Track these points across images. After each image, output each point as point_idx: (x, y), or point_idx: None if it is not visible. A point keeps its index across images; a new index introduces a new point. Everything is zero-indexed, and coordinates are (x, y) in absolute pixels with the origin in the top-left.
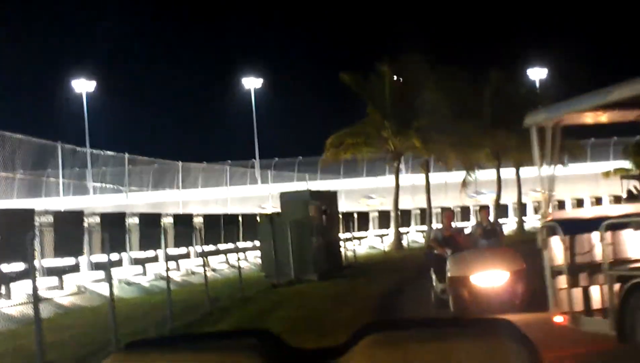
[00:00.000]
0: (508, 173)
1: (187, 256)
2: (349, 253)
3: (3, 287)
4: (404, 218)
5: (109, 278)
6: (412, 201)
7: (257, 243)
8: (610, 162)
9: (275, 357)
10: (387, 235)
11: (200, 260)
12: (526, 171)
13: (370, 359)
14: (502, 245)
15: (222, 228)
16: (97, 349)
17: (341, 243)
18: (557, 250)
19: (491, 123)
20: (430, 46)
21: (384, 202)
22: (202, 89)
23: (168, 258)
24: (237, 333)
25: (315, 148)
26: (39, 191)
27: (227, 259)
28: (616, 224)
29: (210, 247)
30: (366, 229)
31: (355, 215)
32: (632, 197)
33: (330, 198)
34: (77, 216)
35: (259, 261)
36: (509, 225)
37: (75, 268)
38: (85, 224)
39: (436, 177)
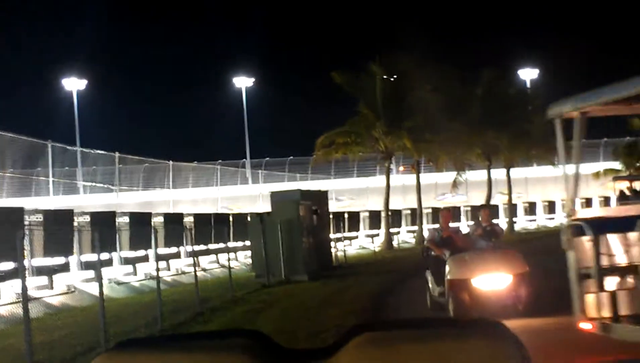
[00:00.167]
0: (495, 173)
1: (177, 255)
2: (340, 254)
3: None
4: (395, 218)
5: (99, 278)
6: (402, 202)
7: (247, 242)
8: (600, 163)
9: (265, 357)
10: (378, 235)
11: (190, 260)
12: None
13: (361, 359)
14: (502, 246)
15: (212, 228)
16: (86, 349)
17: (332, 243)
18: (584, 251)
19: (482, 123)
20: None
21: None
22: (193, 88)
23: (158, 257)
24: (228, 333)
25: (306, 148)
26: (28, 190)
27: (217, 259)
28: None
29: (201, 247)
30: (357, 229)
31: (346, 215)
32: (624, 198)
33: (320, 198)
34: (67, 215)
35: (250, 261)
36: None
37: (65, 268)
38: (75, 224)
39: (427, 177)
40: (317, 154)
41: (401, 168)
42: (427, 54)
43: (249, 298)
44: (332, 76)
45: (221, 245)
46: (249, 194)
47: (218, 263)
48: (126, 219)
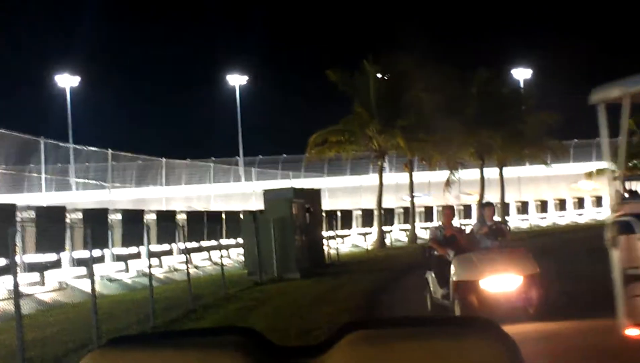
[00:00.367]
0: (488, 172)
1: (169, 253)
2: (332, 252)
3: None
4: (388, 216)
5: (90, 275)
6: (395, 200)
7: (240, 240)
8: (592, 163)
9: (258, 355)
10: (370, 233)
11: (183, 257)
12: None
13: (353, 357)
14: (509, 246)
15: (205, 225)
16: (78, 346)
17: (324, 241)
18: (632, 249)
19: (476, 123)
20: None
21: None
22: (186, 86)
23: (150, 254)
24: (220, 331)
25: (299, 146)
26: (21, 186)
27: (210, 256)
28: None
29: (193, 244)
30: (349, 227)
31: (339, 213)
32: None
33: (313, 196)
34: (59, 211)
35: (242, 258)
36: None
37: (57, 264)
38: (68, 220)
39: (420, 176)
40: (311, 153)
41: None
42: (421, 53)
43: (242, 295)
44: (326, 74)
45: (214, 243)
46: (242, 192)
47: (210, 260)
48: (118, 216)
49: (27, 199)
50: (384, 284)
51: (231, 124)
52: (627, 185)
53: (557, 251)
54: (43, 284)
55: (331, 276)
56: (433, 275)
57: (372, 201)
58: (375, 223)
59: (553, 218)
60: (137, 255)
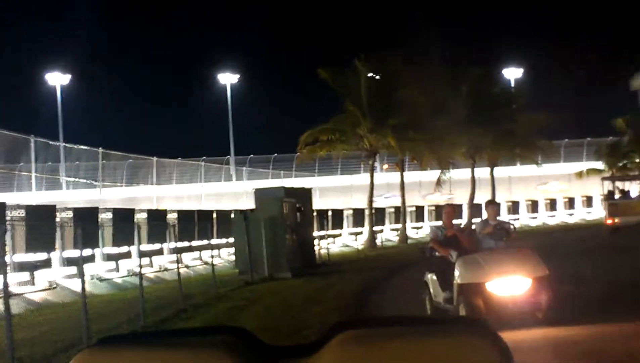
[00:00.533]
0: (479, 172)
1: (160, 252)
2: (323, 251)
3: None
4: (378, 216)
5: (81, 274)
6: (386, 200)
7: (231, 239)
8: (583, 163)
9: (248, 354)
10: (361, 233)
11: (173, 257)
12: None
13: (344, 356)
14: (516, 246)
15: (196, 225)
16: (68, 346)
17: (315, 241)
18: None
19: (467, 122)
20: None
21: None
22: (177, 84)
23: (141, 254)
24: (210, 330)
25: (290, 145)
26: (10, 185)
27: (200, 256)
28: None
29: (184, 243)
30: (340, 227)
31: (330, 213)
32: (611, 198)
33: (304, 195)
34: (49, 210)
35: (233, 258)
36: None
37: (47, 264)
38: (58, 219)
39: (411, 176)
40: (302, 152)
41: (385, 166)
42: (412, 52)
43: (232, 295)
44: (318, 72)
45: (204, 242)
46: (233, 191)
47: (201, 259)
48: (109, 215)
49: (17, 198)
50: (374, 284)
51: (223, 123)
52: (620, 185)
53: (550, 251)
54: (33, 283)
55: (322, 275)
56: (434, 277)
57: (363, 201)
58: (366, 222)
59: (543, 218)
60: (128, 255)
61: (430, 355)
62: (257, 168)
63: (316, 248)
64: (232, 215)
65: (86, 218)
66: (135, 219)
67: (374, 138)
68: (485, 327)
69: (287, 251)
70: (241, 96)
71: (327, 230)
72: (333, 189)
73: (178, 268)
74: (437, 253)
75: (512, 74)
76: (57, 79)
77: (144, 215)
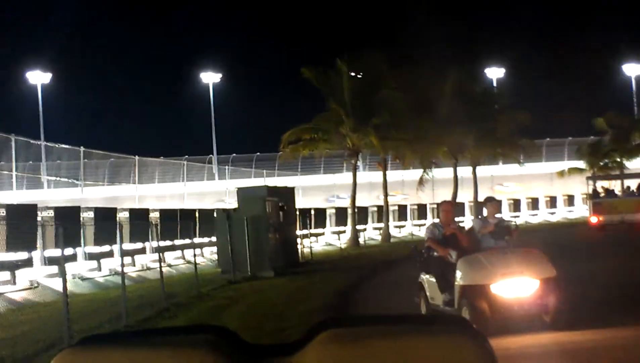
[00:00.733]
0: (462, 171)
1: (142, 251)
2: (306, 250)
3: None
4: (361, 215)
5: (62, 273)
6: (369, 199)
7: (213, 238)
8: (564, 162)
9: (230, 353)
10: (344, 232)
11: (156, 256)
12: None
13: (327, 355)
14: (519, 246)
15: (178, 223)
16: (49, 345)
17: (298, 239)
18: None
19: (449, 122)
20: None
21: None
22: (159, 83)
23: (123, 253)
24: (193, 329)
25: (273, 144)
26: None
27: (183, 254)
28: None
29: (167, 242)
30: (323, 226)
31: (313, 212)
32: (596, 196)
33: (287, 194)
34: (30, 209)
35: (216, 257)
36: (466, 223)
37: (28, 263)
38: (39, 218)
39: (394, 175)
40: (285, 151)
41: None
42: (394, 52)
43: (215, 294)
44: (301, 71)
45: (187, 241)
46: (215, 190)
47: (184, 258)
48: (91, 214)
49: None
50: (357, 282)
51: (205, 122)
52: (606, 184)
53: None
54: (14, 283)
55: (305, 274)
56: (431, 278)
57: (345, 200)
58: (349, 221)
59: (525, 216)
60: (110, 254)
61: (414, 353)
62: (240, 167)
63: (299, 246)
64: (215, 214)
65: (68, 217)
66: (117, 218)
67: (356, 137)
68: (469, 325)
69: (270, 250)
70: (224, 95)
71: (310, 228)
72: (316, 188)
73: (160, 267)
74: (435, 253)
75: (494, 73)
76: (38, 78)
77: (126, 214)
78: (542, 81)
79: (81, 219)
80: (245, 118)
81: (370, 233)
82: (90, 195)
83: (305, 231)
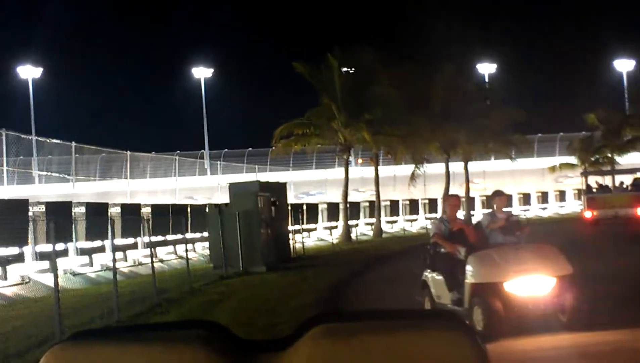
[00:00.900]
0: (454, 166)
1: (134, 246)
2: (298, 245)
3: None
4: (353, 210)
5: (54, 269)
6: (360, 194)
7: (205, 234)
8: (556, 157)
9: (222, 348)
10: (336, 227)
11: (147, 251)
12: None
13: (319, 350)
14: (531, 241)
15: (170, 219)
16: (41, 341)
17: (290, 235)
18: None
19: (441, 117)
20: (382, 39)
21: None
22: (151, 78)
23: (115, 248)
24: (184, 324)
25: (265, 139)
26: None
27: (175, 250)
28: None
29: (158, 238)
30: (315, 221)
31: (304, 207)
32: (590, 191)
33: (279, 189)
34: (21, 204)
35: (207, 252)
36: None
37: (19, 258)
38: (30, 214)
39: (385, 170)
40: (277, 146)
41: (359, 161)
42: (386, 48)
43: (207, 289)
44: (294, 66)
45: (179, 236)
46: (207, 185)
47: (176, 254)
48: (82, 209)
49: None
50: (349, 278)
51: (197, 118)
52: (600, 180)
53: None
54: (5, 278)
55: (297, 269)
56: (437, 276)
57: (337, 195)
58: (341, 216)
59: (517, 211)
60: (102, 249)
61: (405, 348)
62: (232, 162)
63: (291, 242)
64: (207, 210)
65: (59, 212)
66: (108, 214)
67: (348, 132)
68: (460, 321)
69: (261, 245)
70: (215, 90)
71: (302, 224)
72: (308, 184)
73: (152, 262)
74: (442, 250)
75: (486, 69)
76: (29, 72)
77: (118, 209)
78: (534, 77)
79: (73, 214)
80: (237, 113)
81: (362, 229)
82: (82, 190)
83: (297, 227)
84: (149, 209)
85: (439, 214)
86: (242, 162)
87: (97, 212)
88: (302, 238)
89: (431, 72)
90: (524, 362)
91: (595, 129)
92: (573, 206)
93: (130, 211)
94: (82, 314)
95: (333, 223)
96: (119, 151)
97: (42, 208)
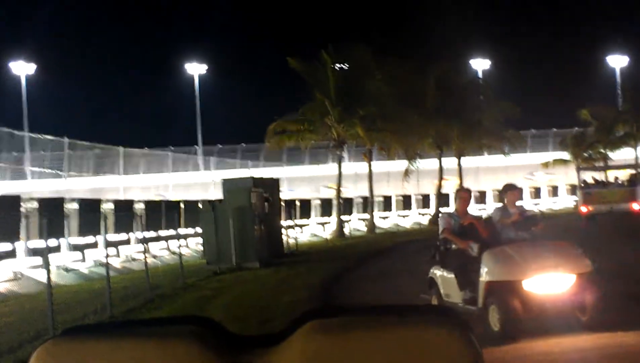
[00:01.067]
0: (447, 162)
1: (127, 242)
2: (291, 241)
3: None
4: (346, 206)
5: (46, 265)
6: (354, 190)
7: (198, 229)
8: (549, 153)
9: (215, 344)
10: (329, 223)
11: (140, 247)
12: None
13: (312, 345)
14: (547, 237)
15: (163, 214)
16: (33, 336)
17: (283, 230)
18: None
19: (434, 113)
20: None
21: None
22: (145, 74)
23: (108, 244)
24: (177, 320)
25: (258, 135)
26: None
27: (168, 245)
28: None
29: (151, 233)
30: (308, 217)
31: (298, 203)
32: (586, 187)
33: (272, 185)
34: (14, 200)
35: (201, 248)
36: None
37: (11, 254)
38: (23, 209)
39: (379, 166)
40: (270, 142)
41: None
42: (379, 44)
43: (200, 285)
44: (288, 61)
45: (172, 232)
46: (200, 181)
47: (169, 250)
48: (75, 205)
49: None
50: (343, 273)
51: (190, 113)
52: (596, 175)
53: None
54: None
55: (290, 265)
56: (446, 274)
57: (293, 192)
58: (334, 212)
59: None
60: (94, 245)
61: (399, 344)
62: (225, 158)
63: (284, 237)
64: (200, 205)
65: (52, 208)
66: (101, 210)
67: (342, 128)
68: (456, 316)
69: (255, 241)
70: (209, 86)
71: (295, 219)
72: (301, 179)
73: (145, 258)
74: (453, 246)
75: (480, 65)
76: (22, 69)
77: (111, 205)
78: (528, 73)
79: (65, 210)
80: (231, 109)
81: (356, 224)
82: (75, 186)
83: (290, 222)
84: (142, 205)
85: (431, 210)
86: (236, 158)
87: (89, 208)
88: (296, 233)
89: (424, 68)
90: None
91: (588, 125)
92: (566, 201)
93: (123, 207)
94: (75, 310)
95: (326, 219)
96: (112, 147)
97: (35, 204)
